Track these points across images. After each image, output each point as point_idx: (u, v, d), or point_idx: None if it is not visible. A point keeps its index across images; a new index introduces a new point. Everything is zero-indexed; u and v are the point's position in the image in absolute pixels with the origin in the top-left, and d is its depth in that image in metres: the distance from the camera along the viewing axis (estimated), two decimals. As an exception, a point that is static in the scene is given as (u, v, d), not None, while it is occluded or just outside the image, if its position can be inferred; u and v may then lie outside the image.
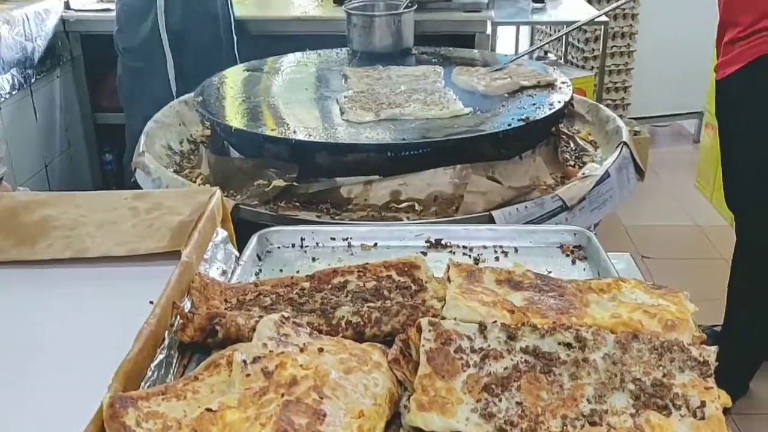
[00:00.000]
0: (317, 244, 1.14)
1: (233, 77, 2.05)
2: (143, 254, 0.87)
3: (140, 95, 2.82)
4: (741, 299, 2.19)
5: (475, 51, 2.48)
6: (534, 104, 1.73)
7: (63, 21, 3.00)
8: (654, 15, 3.97)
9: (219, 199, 0.98)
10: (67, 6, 3.04)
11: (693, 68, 4.04)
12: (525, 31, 4.45)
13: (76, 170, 3.23)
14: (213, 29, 2.77)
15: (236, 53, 2.81)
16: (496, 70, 1.96)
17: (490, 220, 1.43)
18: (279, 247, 1.13)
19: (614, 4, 2.80)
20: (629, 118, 4.11)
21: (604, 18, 3.18)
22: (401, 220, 1.49)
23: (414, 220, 1.48)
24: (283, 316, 0.77)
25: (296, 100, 1.85)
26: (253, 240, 1.11)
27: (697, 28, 3.83)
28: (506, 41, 4.60)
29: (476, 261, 1.07)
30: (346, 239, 1.14)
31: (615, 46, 3.98)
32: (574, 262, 1.07)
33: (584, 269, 1.05)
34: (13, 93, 2.72)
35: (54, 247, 0.89)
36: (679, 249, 3.29)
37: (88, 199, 0.97)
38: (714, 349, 0.73)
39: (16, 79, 2.72)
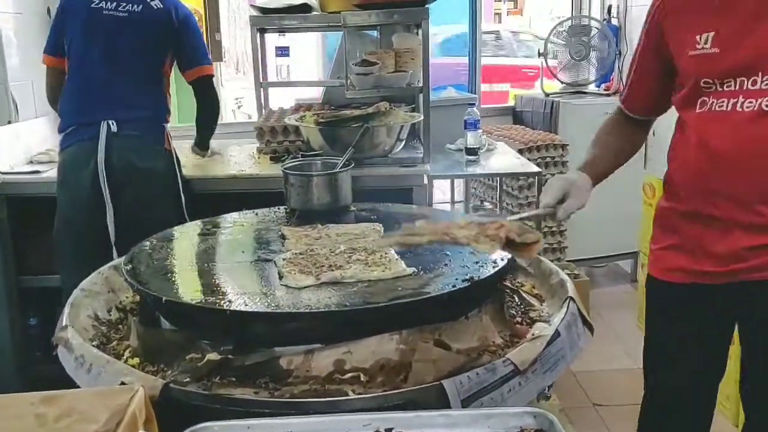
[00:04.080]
0: (254, 438, 1.03)
1: (167, 241, 1.98)
2: (50, 472, 0.76)
3: (77, 253, 2.73)
4: None
5: (413, 206, 2.48)
6: (477, 262, 1.71)
7: (-12, 184, 2.93)
8: (581, 162, 4.14)
9: (141, 398, 0.88)
10: (-6, 169, 2.98)
11: (623, 210, 4.18)
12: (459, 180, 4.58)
13: (-5, 338, 3.04)
14: (156, 187, 2.73)
15: (185, 212, 2.74)
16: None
17: (441, 390, 1.35)
18: (211, 444, 1.02)
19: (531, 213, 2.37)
20: (567, 261, 4.16)
21: (536, 168, 3.28)
22: (346, 393, 1.39)
23: (360, 393, 1.38)
24: None
25: (232, 265, 1.78)
26: (181, 438, 0.99)
27: (624, 172, 4.01)
28: (442, 191, 4.72)
29: (430, 450, 0.98)
30: None
31: (548, 192, 4.09)
32: (536, 447, 0.99)
33: (548, 455, 0.96)
34: (-73, 261, 2.57)
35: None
36: (630, 395, 3.22)
37: (-12, 405, 0.85)
38: None
39: (-70, 247, 2.58)
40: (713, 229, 1.66)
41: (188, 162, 3.15)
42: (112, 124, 2.68)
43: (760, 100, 1.55)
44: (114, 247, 2.64)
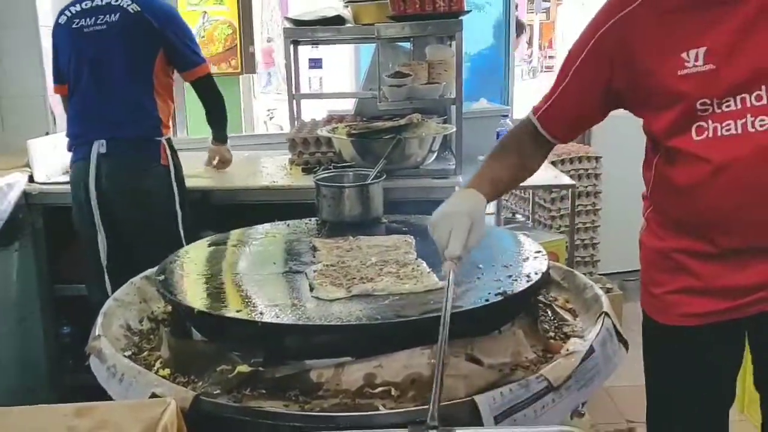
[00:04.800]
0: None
1: (198, 252, 1.98)
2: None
3: (90, 265, 2.78)
4: None
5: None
6: (510, 276, 1.68)
7: (25, 194, 2.97)
8: (614, 174, 4.09)
9: (173, 412, 0.87)
10: (31, 179, 3.02)
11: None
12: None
13: (28, 345, 3.08)
14: (146, 205, 2.72)
15: (180, 230, 2.72)
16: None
17: (473, 406, 1.33)
18: (241, 461, 1.01)
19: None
20: (599, 275, 4.11)
21: (570, 181, 3.25)
22: (377, 408, 1.37)
23: (391, 408, 1.36)
24: None
25: (263, 276, 1.77)
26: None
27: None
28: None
29: (464, 469, 0.96)
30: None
31: (581, 204, 4.06)
32: (572, 467, 0.96)
33: (585, 475, 0.94)
34: (-35, 269, 2.63)
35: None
36: (665, 412, 3.16)
37: (22, 417, 0.85)
38: None
39: (-31, 255, 2.63)
40: (734, 262, 1.49)
41: (216, 174, 3.16)
42: (102, 145, 2.67)
43: None
44: (105, 272, 2.65)
